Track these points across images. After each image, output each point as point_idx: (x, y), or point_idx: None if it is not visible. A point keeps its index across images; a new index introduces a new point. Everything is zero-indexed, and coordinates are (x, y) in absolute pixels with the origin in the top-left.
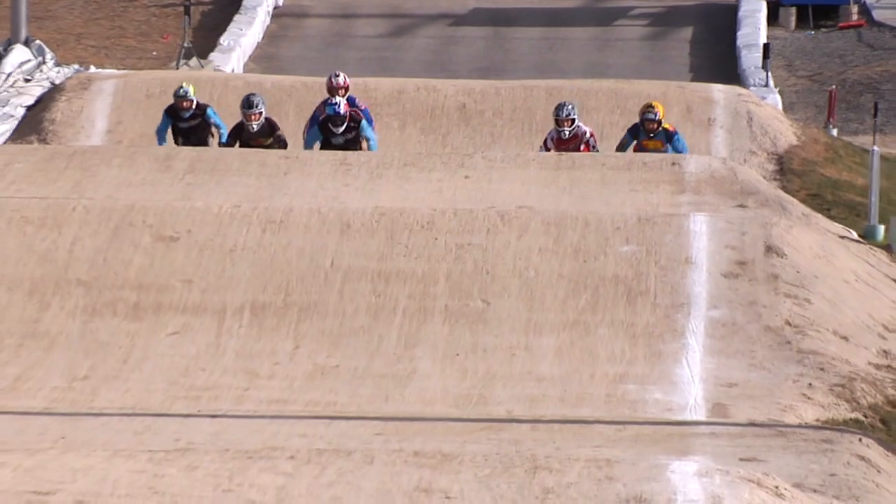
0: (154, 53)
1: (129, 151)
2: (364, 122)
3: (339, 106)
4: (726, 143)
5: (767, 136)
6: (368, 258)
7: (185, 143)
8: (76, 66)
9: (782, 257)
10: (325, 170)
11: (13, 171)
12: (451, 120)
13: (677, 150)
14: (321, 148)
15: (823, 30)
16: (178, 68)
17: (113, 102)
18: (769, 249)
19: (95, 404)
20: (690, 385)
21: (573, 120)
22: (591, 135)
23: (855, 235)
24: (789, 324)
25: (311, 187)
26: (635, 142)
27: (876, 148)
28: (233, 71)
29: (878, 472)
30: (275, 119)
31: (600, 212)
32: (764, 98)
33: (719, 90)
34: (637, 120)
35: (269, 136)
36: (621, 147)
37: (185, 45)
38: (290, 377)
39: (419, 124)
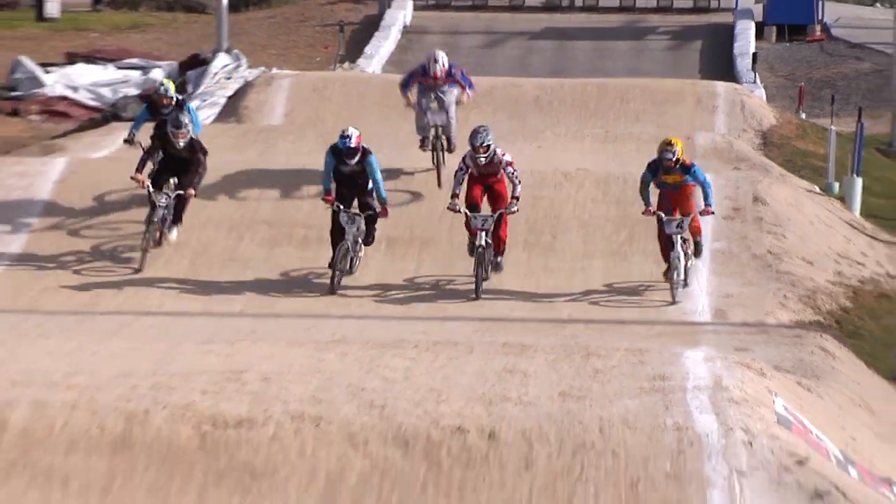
0: (318, 59)
1: (299, 130)
2: (372, 157)
3: (350, 140)
4: (725, 124)
5: (755, 118)
6: None
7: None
8: (262, 68)
9: (765, 205)
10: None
11: (218, 143)
12: (528, 107)
13: (698, 180)
14: (334, 174)
15: (795, 42)
16: (334, 70)
17: (288, 95)
18: (756, 199)
19: (276, 309)
20: (699, 296)
21: (488, 146)
22: (510, 164)
23: (817, 190)
24: (770, 252)
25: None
26: (654, 178)
27: (833, 127)
28: (373, 72)
29: (834, 358)
30: (201, 143)
31: (636, 172)
32: (753, 91)
33: (721, 86)
34: (656, 157)
35: (192, 155)
36: (643, 184)
37: (340, 53)
38: (414, 290)
39: (506, 111)
